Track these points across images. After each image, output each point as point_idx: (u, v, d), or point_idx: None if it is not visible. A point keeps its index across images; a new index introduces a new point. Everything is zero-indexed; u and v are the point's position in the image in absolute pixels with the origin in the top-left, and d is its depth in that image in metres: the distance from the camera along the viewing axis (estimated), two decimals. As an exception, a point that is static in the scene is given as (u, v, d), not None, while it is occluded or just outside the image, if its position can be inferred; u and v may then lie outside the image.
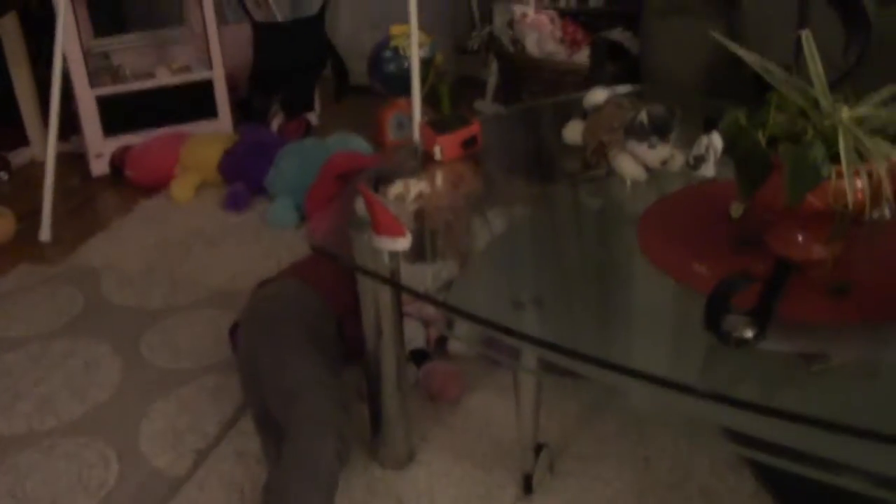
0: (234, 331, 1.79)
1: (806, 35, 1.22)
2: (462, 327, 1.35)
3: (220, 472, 1.57)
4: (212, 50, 2.93)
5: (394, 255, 1.33)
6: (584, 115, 1.70)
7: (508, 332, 1.16)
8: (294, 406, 1.43)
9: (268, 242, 2.45)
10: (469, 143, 1.66)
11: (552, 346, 1.13)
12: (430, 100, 3.00)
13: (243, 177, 2.68)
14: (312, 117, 3.21)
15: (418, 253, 1.37)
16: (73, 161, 2.97)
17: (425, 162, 1.66)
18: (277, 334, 1.56)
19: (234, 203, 2.66)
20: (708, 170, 1.53)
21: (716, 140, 1.51)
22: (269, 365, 1.52)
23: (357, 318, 1.48)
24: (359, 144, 2.63)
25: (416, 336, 1.84)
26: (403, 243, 1.29)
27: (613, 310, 1.25)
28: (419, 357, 1.84)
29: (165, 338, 1.98)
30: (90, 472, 1.61)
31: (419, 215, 1.48)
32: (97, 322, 2.02)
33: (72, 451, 1.66)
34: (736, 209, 1.38)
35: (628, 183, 1.58)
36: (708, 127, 1.53)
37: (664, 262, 1.31)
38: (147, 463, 1.60)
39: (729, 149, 1.28)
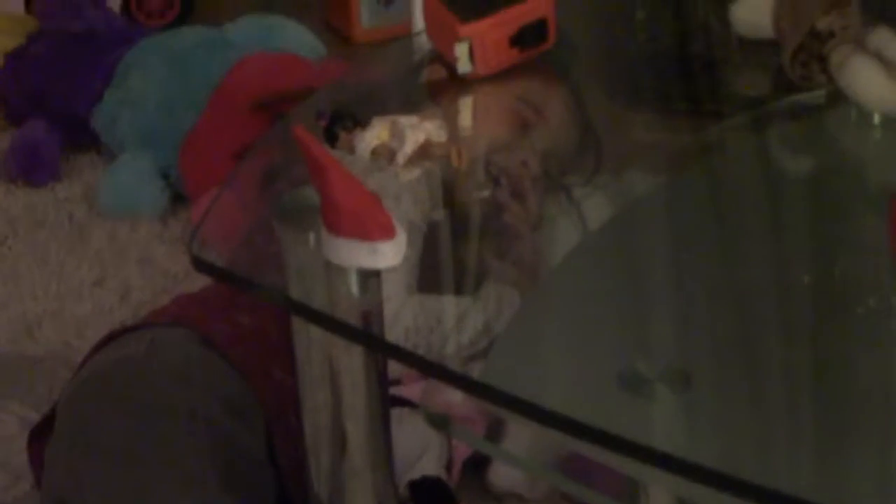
0: (36, 441, 1.35)
1: None
2: (520, 435, 1.10)
3: None
4: None
5: (372, 279, 0.96)
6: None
7: (613, 442, 0.83)
8: None
9: (103, 251, 1.89)
10: (527, 37, 1.24)
11: (709, 475, 0.80)
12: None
13: (46, 108, 2.12)
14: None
15: (427, 274, 1.14)
16: None
17: (436, 79, 1.28)
18: (142, 456, 1.20)
19: (26, 165, 2.09)
20: None
21: None
22: None
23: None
24: (297, 38, 2.19)
25: (422, 451, 1.39)
26: (391, 252, 0.92)
27: (848, 398, 0.91)
28: (431, 496, 1.39)
29: None
30: None
31: (426, 191, 1.19)
32: None
33: None
34: None
35: (875, 119, 1.20)
36: None
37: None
38: None
39: None
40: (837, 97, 1.23)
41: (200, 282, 1.43)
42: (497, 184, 1.23)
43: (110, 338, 1.32)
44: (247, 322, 1.31)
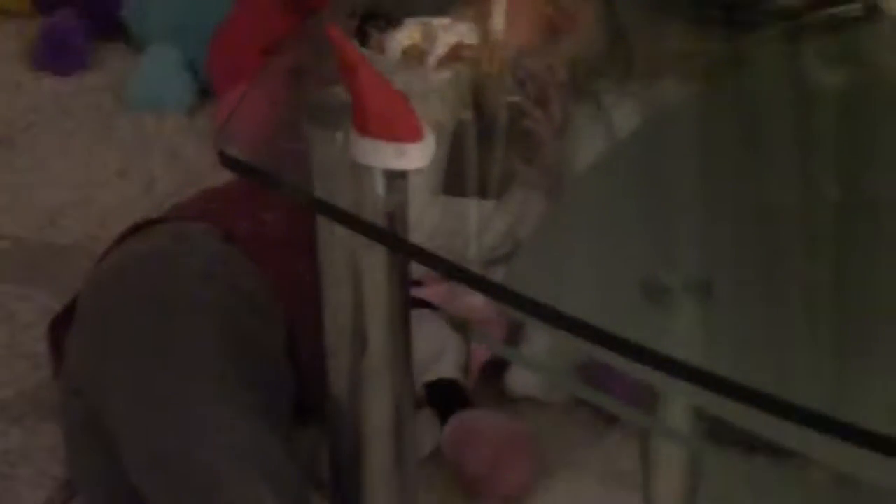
0: (56, 331, 1.36)
1: None
2: (539, 340, 1.18)
3: None
4: None
5: (398, 180, 0.97)
6: None
7: (633, 350, 0.85)
8: None
9: (129, 142, 1.90)
10: None
11: (726, 385, 0.81)
12: None
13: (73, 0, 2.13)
14: None
15: (452, 177, 1.13)
16: None
17: None
18: (164, 349, 1.22)
19: (56, 55, 2.09)
20: None
21: None
22: (144, 415, 1.19)
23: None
24: None
25: (441, 353, 1.40)
26: (418, 154, 0.93)
27: (863, 319, 0.93)
28: (446, 398, 1.40)
29: None
30: None
31: (455, 94, 1.18)
32: None
33: None
34: None
35: None
36: None
37: None
38: None
39: None
40: (875, 11, 1.21)
41: (225, 176, 1.41)
42: (522, 88, 1.23)
43: (135, 229, 1.32)
44: (270, 219, 1.31)
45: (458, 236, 1.12)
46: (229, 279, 1.28)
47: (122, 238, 1.33)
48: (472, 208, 1.16)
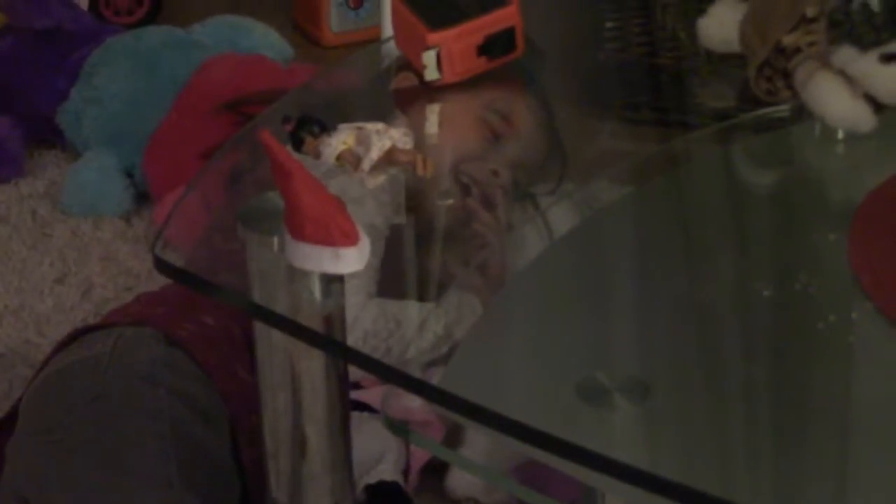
0: None
1: None
2: (478, 441, 1.15)
3: None
4: None
5: (334, 284, 0.98)
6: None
7: (571, 451, 0.85)
8: None
9: (66, 248, 1.89)
10: (496, 46, 1.26)
11: (665, 486, 0.81)
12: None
13: (11, 104, 2.11)
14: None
15: (389, 280, 1.19)
16: None
17: (403, 86, 1.30)
18: (110, 455, 1.21)
19: None
20: None
21: None
22: None
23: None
24: (265, 40, 2.18)
25: (380, 455, 1.39)
26: (354, 258, 0.93)
27: (807, 413, 0.94)
28: (387, 501, 1.39)
29: None
30: None
31: (390, 197, 1.26)
32: None
33: None
34: None
35: (838, 134, 1.22)
36: None
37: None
38: None
39: None
40: (802, 112, 1.22)
41: (163, 280, 1.42)
42: (467, 192, 1.26)
43: (74, 336, 1.32)
44: (211, 322, 1.31)
45: (395, 337, 1.14)
46: (174, 383, 1.26)
47: (63, 345, 1.32)
48: (409, 310, 1.16)
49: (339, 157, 1.08)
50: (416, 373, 1.02)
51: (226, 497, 1.25)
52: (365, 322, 1.14)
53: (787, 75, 1.21)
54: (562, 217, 1.22)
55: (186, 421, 1.23)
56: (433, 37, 1.22)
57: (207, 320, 1.31)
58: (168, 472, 1.19)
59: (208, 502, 1.19)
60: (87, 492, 1.19)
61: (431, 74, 1.23)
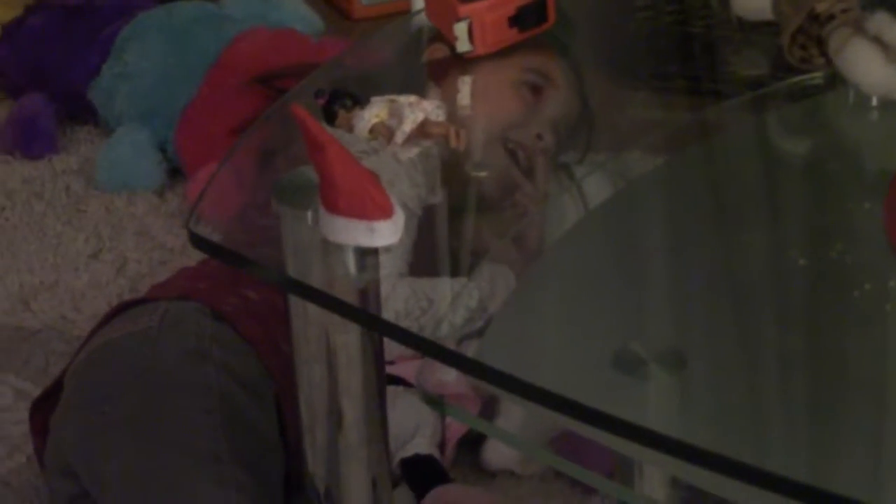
0: (38, 415, 1.34)
1: None
2: (514, 413, 1.16)
3: None
4: None
5: (369, 257, 0.96)
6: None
7: (607, 422, 0.84)
8: None
9: (100, 223, 1.89)
10: (527, 17, 1.25)
11: (702, 455, 0.80)
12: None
13: (44, 81, 2.09)
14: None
15: (424, 255, 1.16)
16: None
17: (435, 58, 1.28)
18: (158, 429, 1.22)
19: (24, 137, 2.08)
20: None
21: None
22: (139, 496, 1.20)
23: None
24: (296, 14, 2.15)
25: (416, 429, 1.40)
26: (388, 231, 0.92)
27: (843, 381, 0.92)
28: (423, 474, 1.38)
29: None
30: None
31: (424, 170, 1.20)
32: None
33: None
34: None
35: (873, 101, 1.20)
36: None
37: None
38: None
39: None
40: (835, 80, 1.22)
41: (196, 255, 1.43)
42: (515, 159, 1.26)
43: (119, 309, 1.33)
44: (254, 296, 1.32)
45: (427, 315, 1.14)
46: (221, 357, 1.27)
47: (108, 318, 1.33)
48: (442, 285, 1.16)
49: (371, 130, 1.09)
50: (451, 345, 1.02)
51: (272, 471, 1.25)
52: (396, 303, 1.15)
53: (820, 42, 1.21)
54: (595, 187, 1.23)
55: (234, 395, 1.25)
56: (465, 8, 1.23)
57: (250, 294, 1.32)
58: (217, 446, 1.20)
59: (255, 476, 1.20)
60: (134, 465, 1.19)
61: (463, 46, 1.23)
